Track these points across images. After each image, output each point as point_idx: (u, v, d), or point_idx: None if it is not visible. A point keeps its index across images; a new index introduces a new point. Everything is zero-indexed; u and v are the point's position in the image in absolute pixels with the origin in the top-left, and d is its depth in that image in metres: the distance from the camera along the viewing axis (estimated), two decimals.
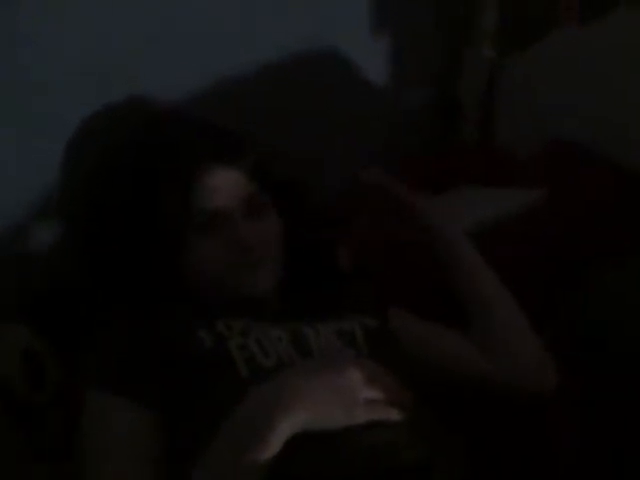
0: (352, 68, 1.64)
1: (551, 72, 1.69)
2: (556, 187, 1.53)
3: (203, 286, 1.14)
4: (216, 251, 1.12)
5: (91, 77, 1.27)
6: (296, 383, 0.95)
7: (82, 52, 1.26)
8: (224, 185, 1.15)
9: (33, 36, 1.21)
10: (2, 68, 1.21)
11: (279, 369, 1.02)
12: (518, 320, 1.24)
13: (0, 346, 1.13)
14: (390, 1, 1.67)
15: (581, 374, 1.25)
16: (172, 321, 1.07)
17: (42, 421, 1.12)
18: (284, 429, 0.91)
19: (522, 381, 1.21)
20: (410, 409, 1.00)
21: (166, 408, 1.01)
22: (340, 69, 1.63)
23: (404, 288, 1.35)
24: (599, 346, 1.28)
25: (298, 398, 0.93)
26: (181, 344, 1.04)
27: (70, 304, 1.18)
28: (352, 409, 0.95)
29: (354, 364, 0.98)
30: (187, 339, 1.05)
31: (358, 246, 1.35)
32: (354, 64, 1.64)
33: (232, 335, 1.07)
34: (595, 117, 1.62)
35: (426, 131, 1.79)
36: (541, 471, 1.18)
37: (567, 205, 1.50)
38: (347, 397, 0.95)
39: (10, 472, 1.09)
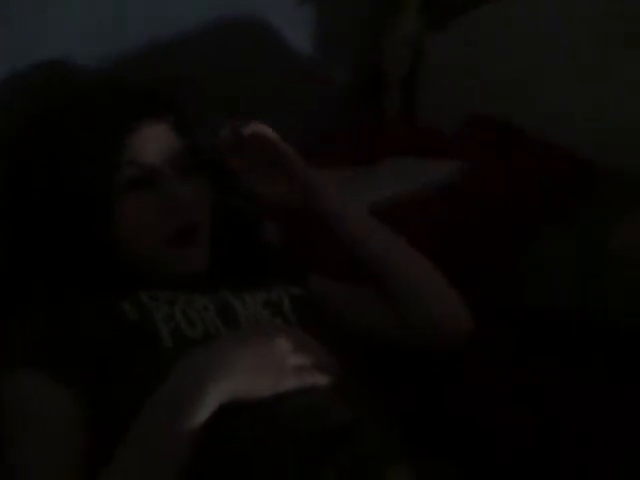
0: (274, 38, 1.63)
1: (473, 47, 1.72)
2: (476, 158, 1.56)
3: (128, 253, 1.09)
4: (146, 209, 1.07)
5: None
6: (223, 353, 0.94)
7: None
8: (154, 138, 1.10)
9: None
10: None
11: (205, 340, 1.00)
12: (420, 267, 1.20)
13: None
14: None
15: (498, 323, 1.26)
16: (94, 297, 1.04)
17: None
18: (212, 399, 0.91)
19: (435, 328, 1.18)
20: (336, 373, 1.00)
21: (89, 385, 0.98)
22: (262, 38, 1.61)
23: (320, 254, 1.35)
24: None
25: (225, 368, 0.92)
26: (103, 319, 1.02)
27: None
28: (279, 377, 0.95)
29: (280, 332, 0.98)
30: (109, 313, 1.02)
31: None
32: (276, 34, 1.63)
33: (158, 306, 1.04)
34: (514, 92, 1.66)
35: (350, 104, 1.79)
36: (462, 422, 1.18)
37: (487, 174, 1.53)
38: (274, 365, 0.95)
39: None
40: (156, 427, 0.91)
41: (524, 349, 1.25)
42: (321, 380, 0.98)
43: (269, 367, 0.95)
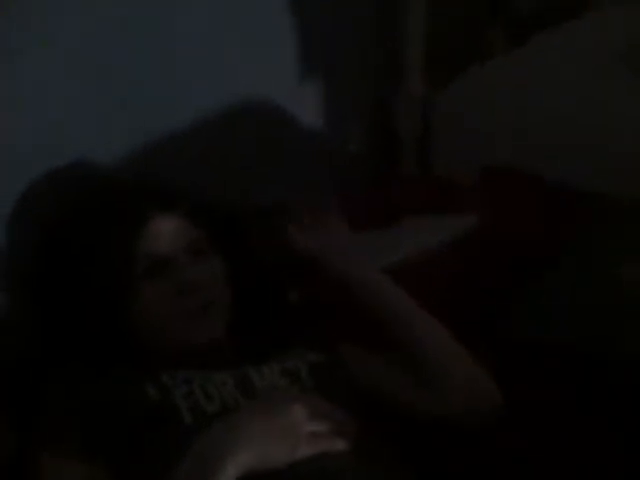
0: (288, 117, 1.69)
1: (478, 102, 1.76)
2: (491, 209, 1.59)
3: (150, 336, 1.17)
4: (163, 295, 1.16)
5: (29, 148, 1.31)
6: (239, 426, 0.99)
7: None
8: (165, 231, 1.20)
9: None
10: None
11: (223, 413, 1.05)
12: (442, 339, 1.24)
13: None
14: (316, 49, 1.72)
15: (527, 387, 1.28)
16: (119, 378, 1.11)
17: None
18: (230, 473, 0.95)
19: (456, 402, 1.21)
20: (353, 437, 1.03)
21: (116, 461, 1.04)
22: (270, 118, 1.68)
23: (352, 323, 1.39)
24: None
25: (241, 441, 0.97)
26: (128, 400, 1.08)
27: (20, 371, 1.21)
28: (295, 445, 0.98)
29: (295, 401, 1.02)
30: (134, 395, 1.09)
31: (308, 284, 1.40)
32: (289, 113, 1.69)
33: (176, 384, 1.10)
34: (523, 140, 1.69)
35: (365, 168, 1.84)
36: None
37: (501, 226, 1.56)
38: (289, 434, 0.99)
39: None
40: None
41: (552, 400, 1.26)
42: (337, 444, 1.01)
43: (285, 436, 0.99)
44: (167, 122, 1.47)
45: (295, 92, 1.70)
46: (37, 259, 1.26)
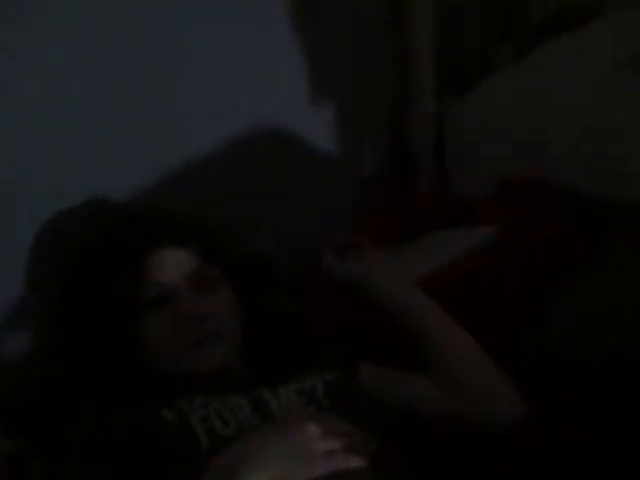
0: (300, 142, 1.71)
1: (490, 113, 1.77)
2: (509, 221, 1.61)
3: (160, 364, 1.21)
4: (164, 327, 1.19)
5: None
6: (255, 447, 1.00)
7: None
8: (169, 262, 1.23)
9: None
10: None
11: (239, 437, 1.06)
12: (474, 352, 1.29)
13: None
14: (327, 69, 1.73)
15: (549, 399, 1.29)
16: (136, 406, 1.14)
17: None
18: None
19: (486, 412, 1.25)
20: (371, 454, 1.04)
21: None
22: (291, 143, 1.69)
23: (372, 342, 1.41)
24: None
25: (257, 462, 0.98)
26: (146, 428, 1.11)
27: (43, 406, 1.24)
28: (311, 464, 1.00)
29: (310, 420, 1.03)
30: (151, 422, 1.11)
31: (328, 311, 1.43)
32: (301, 138, 1.71)
33: (193, 409, 1.13)
34: (538, 150, 1.70)
35: (382, 187, 1.85)
36: None
37: (519, 237, 1.57)
38: (305, 453, 1.00)
39: None
40: None
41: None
42: (353, 462, 1.02)
43: (301, 456, 1.00)
44: (176, 151, 1.50)
45: (308, 114, 1.71)
46: (55, 293, 1.30)
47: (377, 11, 1.83)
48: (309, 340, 1.36)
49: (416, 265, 1.56)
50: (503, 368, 1.28)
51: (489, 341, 1.30)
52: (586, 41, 1.67)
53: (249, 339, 1.27)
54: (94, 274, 1.24)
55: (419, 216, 1.73)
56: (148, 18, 1.43)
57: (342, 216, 1.73)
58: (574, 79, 1.64)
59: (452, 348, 1.29)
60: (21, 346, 1.33)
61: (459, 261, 1.58)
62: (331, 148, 1.78)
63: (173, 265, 1.23)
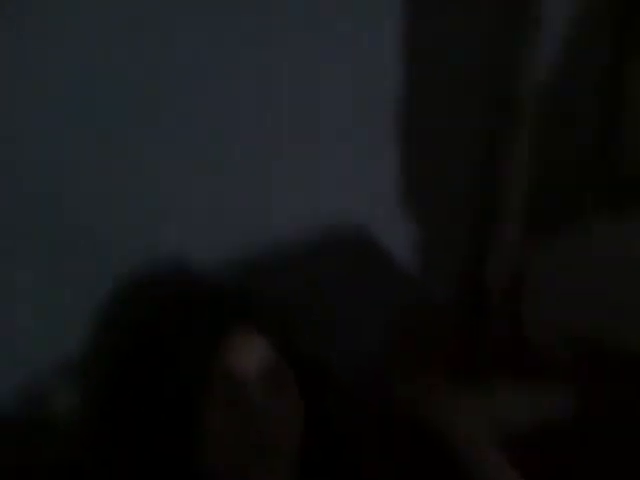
0: (378, 250, 1.62)
1: (575, 267, 1.69)
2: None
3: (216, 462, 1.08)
4: (232, 424, 1.06)
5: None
6: None
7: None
8: (248, 351, 1.09)
9: None
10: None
11: None
12: None
13: None
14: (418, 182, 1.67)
15: None
16: None
17: None
18: None
19: None
20: None
21: None
22: (365, 250, 1.61)
23: None
24: None
25: None
26: None
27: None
28: None
29: None
30: None
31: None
32: (380, 245, 1.62)
33: None
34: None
35: (451, 320, 1.77)
36: None
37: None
38: None
39: None
40: None
41: None
42: None
43: None
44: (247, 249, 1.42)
45: (389, 224, 1.64)
46: (112, 366, 1.19)
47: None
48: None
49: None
50: None
51: None
52: None
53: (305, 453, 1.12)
54: (165, 348, 1.11)
55: (491, 357, 1.63)
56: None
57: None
58: None
59: None
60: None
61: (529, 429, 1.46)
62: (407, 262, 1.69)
63: (250, 357, 1.09)
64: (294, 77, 1.43)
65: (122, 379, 1.15)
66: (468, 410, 1.28)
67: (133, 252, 1.29)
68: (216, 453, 1.07)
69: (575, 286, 1.67)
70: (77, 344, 1.26)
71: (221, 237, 1.38)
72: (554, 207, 1.78)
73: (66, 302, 1.27)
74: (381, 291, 1.62)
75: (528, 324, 1.70)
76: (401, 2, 1.51)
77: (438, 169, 1.70)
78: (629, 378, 1.50)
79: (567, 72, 1.75)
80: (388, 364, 1.38)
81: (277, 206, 1.46)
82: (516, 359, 1.60)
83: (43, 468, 1.17)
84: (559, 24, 1.70)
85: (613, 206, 1.77)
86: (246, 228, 1.42)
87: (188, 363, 1.08)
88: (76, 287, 1.27)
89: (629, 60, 1.75)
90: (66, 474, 1.16)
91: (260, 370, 1.09)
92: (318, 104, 1.47)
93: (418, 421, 1.26)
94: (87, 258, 1.28)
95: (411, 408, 1.28)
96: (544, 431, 1.41)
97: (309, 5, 1.41)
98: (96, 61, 1.26)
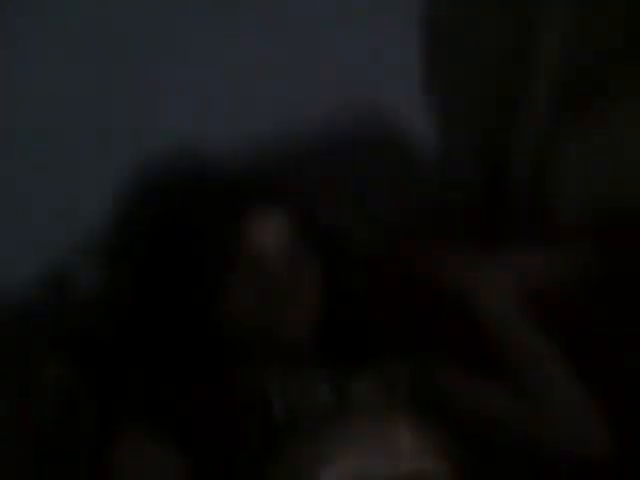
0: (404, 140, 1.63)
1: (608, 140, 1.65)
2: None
3: (241, 335, 1.11)
4: (251, 295, 1.09)
5: None
6: (334, 438, 0.97)
7: None
8: (262, 222, 1.11)
9: None
10: None
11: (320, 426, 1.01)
12: (564, 382, 1.18)
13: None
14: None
15: None
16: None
17: None
18: None
19: (567, 442, 1.15)
20: (449, 457, 1.00)
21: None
22: (392, 140, 1.63)
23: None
24: None
25: (337, 452, 0.94)
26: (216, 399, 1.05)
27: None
28: (394, 460, 0.95)
29: (393, 415, 1.01)
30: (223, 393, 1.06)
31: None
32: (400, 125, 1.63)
33: (269, 376, 1.07)
34: None
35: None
36: None
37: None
38: (388, 449, 0.96)
39: None
40: None
41: None
42: (434, 463, 0.98)
43: (383, 451, 0.96)
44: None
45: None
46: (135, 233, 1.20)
47: None
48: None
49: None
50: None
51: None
52: None
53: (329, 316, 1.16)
54: (189, 225, 1.12)
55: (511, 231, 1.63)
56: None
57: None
58: None
59: (542, 375, 1.18)
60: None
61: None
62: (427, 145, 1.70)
63: (270, 231, 1.11)
64: None
65: (144, 256, 1.16)
66: (488, 269, 1.27)
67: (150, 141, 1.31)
68: (239, 326, 1.10)
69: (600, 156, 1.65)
70: (98, 221, 1.26)
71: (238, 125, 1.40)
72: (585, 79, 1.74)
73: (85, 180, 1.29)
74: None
75: (552, 195, 1.70)
76: None
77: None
78: None
79: None
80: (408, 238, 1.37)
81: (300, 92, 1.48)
82: (536, 230, 1.60)
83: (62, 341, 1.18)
84: None
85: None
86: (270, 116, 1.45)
87: (208, 238, 1.10)
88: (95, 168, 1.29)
89: None
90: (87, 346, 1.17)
91: (279, 245, 1.10)
92: None
93: (439, 282, 1.27)
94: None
95: (432, 274, 1.28)
96: (562, 287, 1.42)
97: None
98: None
